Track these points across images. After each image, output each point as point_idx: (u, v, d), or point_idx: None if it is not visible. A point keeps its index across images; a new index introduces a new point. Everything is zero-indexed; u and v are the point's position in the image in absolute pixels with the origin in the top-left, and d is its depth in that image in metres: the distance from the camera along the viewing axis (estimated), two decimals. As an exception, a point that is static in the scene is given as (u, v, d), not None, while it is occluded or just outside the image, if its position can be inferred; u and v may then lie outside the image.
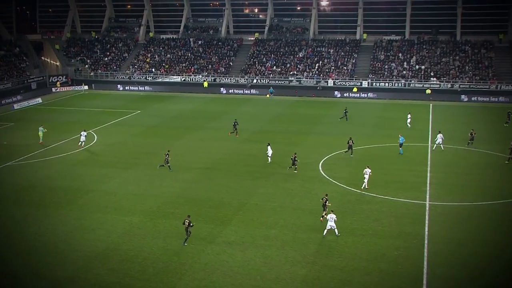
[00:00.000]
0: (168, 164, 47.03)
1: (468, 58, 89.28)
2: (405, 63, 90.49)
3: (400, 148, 52.25)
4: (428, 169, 47.56)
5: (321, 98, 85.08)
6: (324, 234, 33.98)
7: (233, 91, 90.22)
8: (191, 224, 33.08)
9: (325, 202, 36.51)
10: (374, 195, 41.22)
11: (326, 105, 79.84)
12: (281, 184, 43.97)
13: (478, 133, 58.12)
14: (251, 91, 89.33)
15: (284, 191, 42.12)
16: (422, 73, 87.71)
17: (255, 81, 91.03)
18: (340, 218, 35.90)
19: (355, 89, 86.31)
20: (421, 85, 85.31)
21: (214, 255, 31.93)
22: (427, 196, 40.74)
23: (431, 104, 79.06)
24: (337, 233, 33.96)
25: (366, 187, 42.36)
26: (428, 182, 44.02)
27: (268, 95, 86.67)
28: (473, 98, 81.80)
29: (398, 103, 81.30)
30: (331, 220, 33.85)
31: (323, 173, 46.59)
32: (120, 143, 57.53)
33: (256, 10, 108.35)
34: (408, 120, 64.73)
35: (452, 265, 30.54)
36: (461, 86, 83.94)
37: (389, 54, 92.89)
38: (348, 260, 31.20)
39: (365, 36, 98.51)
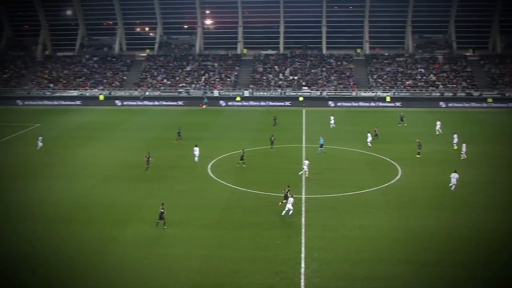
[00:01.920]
0: (148, 166, 47.79)
1: (333, 69, 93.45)
2: (280, 74, 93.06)
3: (321, 148, 53.59)
4: (303, 167, 49.24)
5: (208, 107, 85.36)
6: (282, 214, 36.50)
7: (128, 103, 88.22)
8: (163, 211, 34.76)
9: (287, 192, 37.85)
10: (258, 192, 42.11)
11: (213, 113, 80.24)
12: (176, 186, 43.72)
13: (345, 133, 61.13)
14: (144, 102, 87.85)
15: (179, 193, 41.95)
16: (295, 82, 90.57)
17: (147, 93, 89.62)
18: (228, 214, 36.41)
19: (238, 98, 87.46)
20: (295, 93, 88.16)
21: (119, 254, 31.19)
22: (303, 191, 42.28)
23: (303, 110, 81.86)
24: (290, 214, 36.29)
25: (307, 175, 44.99)
26: (303, 178, 45.68)
27: (203, 106, 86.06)
28: (338, 104, 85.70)
29: (276, 110, 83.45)
30: (289, 203, 36.33)
31: (211, 175, 46.89)
32: (22, 154, 54.35)
33: (146, 29, 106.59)
34: (332, 121, 67.61)
35: (325, 248, 32.01)
36: (328, 93, 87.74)
37: (266, 66, 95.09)
38: (238, 251, 31.71)
39: (245, 51, 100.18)
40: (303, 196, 40.82)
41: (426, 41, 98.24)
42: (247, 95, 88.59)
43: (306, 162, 46.28)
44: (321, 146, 53.96)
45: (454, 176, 42.66)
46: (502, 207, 38.52)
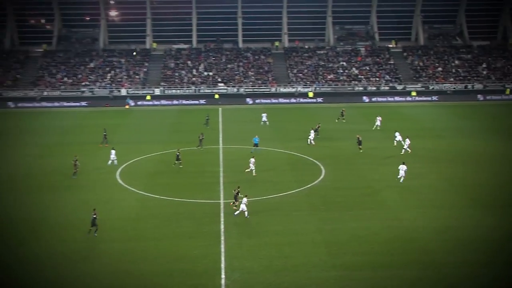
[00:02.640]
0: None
1: (250, 64, 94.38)
2: (194, 70, 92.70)
3: (255, 148, 54.13)
4: (221, 169, 49.40)
5: (114, 108, 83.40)
6: (235, 214, 37.84)
7: (23, 104, 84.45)
8: (96, 217, 34.81)
9: (237, 194, 39.16)
10: (173, 198, 41.67)
11: (120, 114, 78.55)
12: (81, 195, 42.31)
13: (265, 132, 61.81)
14: (42, 103, 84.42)
15: (83, 203, 40.52)
16: (210, 79, 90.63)
17: (45, 93, 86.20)
18: (140, 225, 35.79)
19: (148, 97, 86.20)
20: (210, 91, 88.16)
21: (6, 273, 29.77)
22: (221, 195, 42.33)
23: (220, 108, 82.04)
24: (246, 215, 37.55)
25: (254, 174, 46.80)
26: (221, 182, 45.71)
27: (127, 106, 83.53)
28: (257, 101, 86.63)
29: (190, 108, 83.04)
30: (243, 203, 37.60)
31: (121, 182, 45.88)
32: None
33: (42, 21, 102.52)
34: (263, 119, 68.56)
35: (247, 256, 32.14)
36: (245, 90, 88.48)
37: (178, 62, 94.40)
38: (151, 265, 31.14)
39: (154, 45, 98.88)
40: (222, 201, 40.85)
41: (347, 33, 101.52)
42: (158, 93, 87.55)
43: (252, 160, 47.71)
44: (256, 145, 54.50)
45: (402, 168, 45.27)
46: (428, 205, 40.53)
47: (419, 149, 56.08)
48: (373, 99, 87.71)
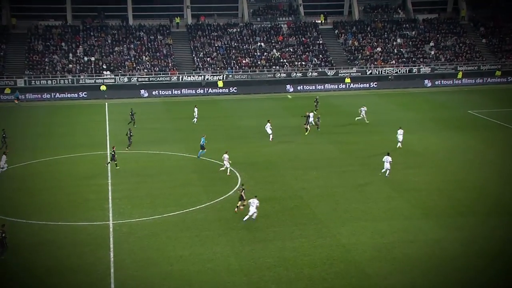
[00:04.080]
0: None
1: (144, 47, 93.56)
2: (70, 54, 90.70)
3: (202, 150, 54.30)
4: (109, 181, 48.62)
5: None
6: (244, 219, 39.64)
7: None
8: (4, 236, 34.70)
9: (242, 193, 41.54)
10: (45, 222, 40.47)
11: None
12: None
13: (163, 133, 61.34)
14: None
15: None
16: (93, 66, 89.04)
17: None
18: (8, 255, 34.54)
19: (7, 90, 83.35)
20: (93, 81, 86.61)
21: None
22: (110, 215, 41.54)
23: (106, 103, 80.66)
24: (253, 218, 39.68)
25: (228, 173, 49.42)
26: (110, 197, 44.93)
27: (16, 101, 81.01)
28: (153, 92, 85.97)
29: (68, 104, 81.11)
30: (252, 205, 39.62)
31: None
32: None
33: None
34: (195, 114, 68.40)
35: (142, 291, 31.78)
36: (139, 79, 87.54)
37: (49, 43, 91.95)
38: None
39: (13, 21, 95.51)
40: (111, 223, 40.08)
41: (265, 6, 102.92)
42: (22, 85, 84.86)
43: (226, 156, 49.79)
44: (202, 148, 54.61)
45: (387, 160, 48.31)
46: (368, 217, 41.50)
47: (356, 151, 57.83)
48: (299, 87, 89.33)
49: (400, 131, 57.46)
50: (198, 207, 43.04)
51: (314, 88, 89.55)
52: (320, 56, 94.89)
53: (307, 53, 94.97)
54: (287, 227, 39.52)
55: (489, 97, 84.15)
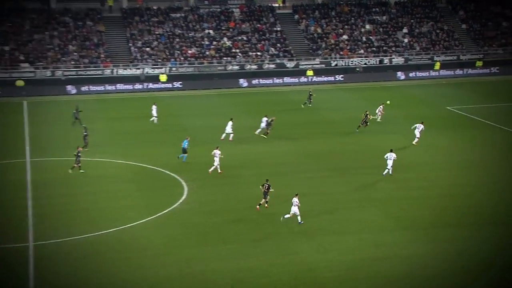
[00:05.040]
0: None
1: (71, 34, 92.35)
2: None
3: (184, 155, 54.48)
4: (29, 194, 47.38)
5: None
6: (283, 218, 41.41)
7: None
8: None
9: (267, 189, 43.87)
10: None
11: None
12: None
13: (94, 135, 60.47)
14: None
15: None
16: (7, 56, 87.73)
17: None
18: None
19: None
20: (8, 75, 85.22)
21: None
22: (30, 236, 40.33)
23: (25, 102, 79.57)
24: (299, 220, 41.17)
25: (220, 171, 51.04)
26: (30, 213, 43.55)
27: None
28: (83, 88, 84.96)
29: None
30: (295, 205, 41.19)
31: None
32: None
33: None
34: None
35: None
36: (65, 73, 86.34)
37: None
38: None
39: None
40: (31, 244, 39.00)
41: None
42: None
43: (217, 152, 51.52)
44: (185, 151, 54.90)
45: (390, 157, 50.65)
46: (338, 229, 41.27)
47: (322, 153, 57.84)
48: (254, 81, 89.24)
49: (419, 126, 59.95)
50: (137, 222, 42.38)
51: (271, 82, 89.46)
52: (278, 45, 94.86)
53: (262, 42, 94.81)
54: (241, 244, 39.23)
55: (470, 91, 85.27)
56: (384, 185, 49.41)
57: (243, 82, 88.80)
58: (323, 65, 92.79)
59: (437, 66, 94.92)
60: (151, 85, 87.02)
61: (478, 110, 72.82)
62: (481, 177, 51.52)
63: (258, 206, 43.80)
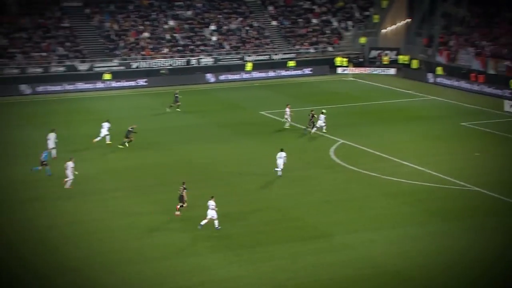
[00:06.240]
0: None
1: None
2: None
3: (41, 167, 51.69)
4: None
5: None
6: (201, 224, 40.47)
7: None
8: None
9: (182, 192, 43.31)
10: None
11: None
12: None
13: None
14: None
15: None
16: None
17: None
18: None
19: None
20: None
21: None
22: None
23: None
24: (216, 226, 40.55)
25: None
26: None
27: None
28: None
29: None
30: (211, 208, 40.63)
31: None
32: None
33: None
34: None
35: None
36: None
37: None
38: None
39: None
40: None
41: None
42: None
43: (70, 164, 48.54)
44: (43, 163, 51.77)
45: (280, 156, 50.83)
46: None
47: (124, 169, 52.78)
48: (38, 88, 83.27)
49: (322, 117, 62.30)
50: None
51: (60, 88, 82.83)
52: (67, 44, 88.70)
53: (48, 41, 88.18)
54: None
55: (283, 94, 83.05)
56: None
57: (25, 89, 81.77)
58: (123, 67, 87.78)
59: (249, 66, 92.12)
60: None
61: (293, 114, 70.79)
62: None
63: (177, 213, 43.50)
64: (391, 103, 78.23)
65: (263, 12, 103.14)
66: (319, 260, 36.62)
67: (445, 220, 42.06)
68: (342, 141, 60.79)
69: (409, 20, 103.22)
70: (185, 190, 43.25)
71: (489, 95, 79.73)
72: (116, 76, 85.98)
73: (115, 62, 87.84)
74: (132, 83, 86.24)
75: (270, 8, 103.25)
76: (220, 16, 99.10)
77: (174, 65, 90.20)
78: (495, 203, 45.02)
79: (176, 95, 73.68)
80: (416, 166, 52.81)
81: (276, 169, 50.68)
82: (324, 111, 64.56)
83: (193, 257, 38.50)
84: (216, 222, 40.60)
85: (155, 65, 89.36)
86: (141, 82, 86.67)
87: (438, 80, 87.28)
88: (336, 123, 65.00)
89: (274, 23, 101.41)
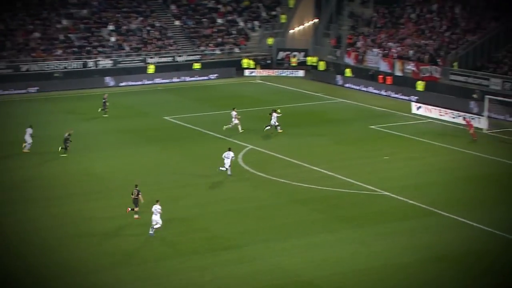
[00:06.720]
0: None
1: None
2: None
3: None
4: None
5: None
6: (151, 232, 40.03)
7: None
8: None
9: (137, 196, 42.69)
10: None
11: None
12: None
13: None
14: None
15: None
16: None
17: None
18: None
19: None
20: None
21: None
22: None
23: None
24: (155, 227, 40.19)
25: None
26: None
27: None
28: None
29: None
30: (156, 213, 40.01)
31: None
32: None
33: None
34: None
35: None
36: None
37: None
38: None
39: None
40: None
41: None
42: None
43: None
44: None
45: (228, 156, 51.23)
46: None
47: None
48: None
49: (275, 115, 63.59)
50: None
51: None
52: None
53: None
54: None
55: (187, 98, 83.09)
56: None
57: None
58: (11, 70, 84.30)
59: (151, 69, 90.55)
60: None
61: (196, 119, 70.87)
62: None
63: (136, 215, 43.19)
64: (300, 106, 77.97)
65: (165, 11, 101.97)
66: (228, 272, 35.98)
67: (356, 226, 41.60)
68: (251, 146, 59.67)
69: (316, 20, 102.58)
70: (140, 193, 42.75)
71: (397, 97, 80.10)
72: (2, 79, 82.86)
73: (2, 64, 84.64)
74: (21, 90, 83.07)
75: (173, 7, 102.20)
76: (119, 15, 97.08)
77: (69, 68, 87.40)
78: (405, 208, 45.05)
79: (104, 100, 72.16)
80: (326, 171, 52.15)
81: (221, 168, 50.83)
82: (278, 110, 64.84)
83: (94, 274, 36.88)
84: (152, 228, 40.21)
85: (47, 68, 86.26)
86: (32, 90, 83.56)
87: (347, 82, 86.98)
88: (244, 127, 63.86)
89: (177, 23, 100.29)
